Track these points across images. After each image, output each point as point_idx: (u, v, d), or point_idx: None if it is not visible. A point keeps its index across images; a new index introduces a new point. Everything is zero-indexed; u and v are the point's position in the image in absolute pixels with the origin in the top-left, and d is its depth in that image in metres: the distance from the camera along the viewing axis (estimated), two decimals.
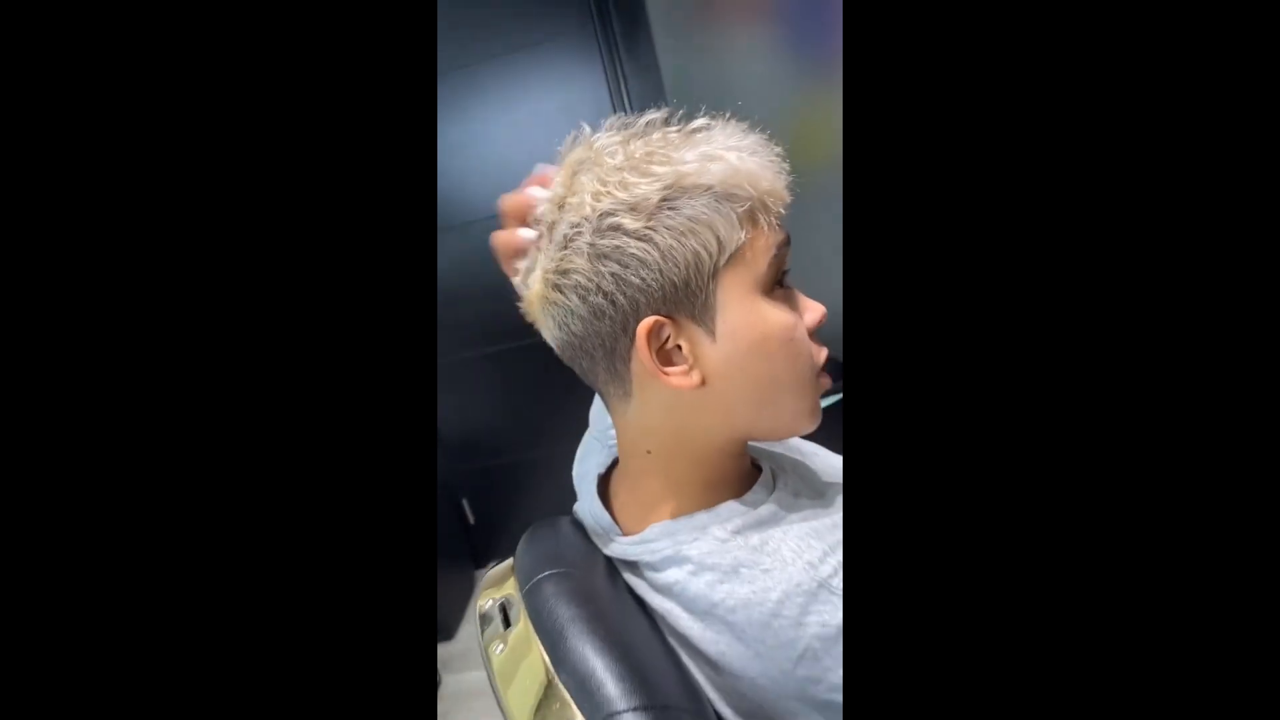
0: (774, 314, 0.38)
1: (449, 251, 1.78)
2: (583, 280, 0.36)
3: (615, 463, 0.49)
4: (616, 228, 0.35)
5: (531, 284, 0.39)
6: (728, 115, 0.40)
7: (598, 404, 0.58)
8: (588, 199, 0.36)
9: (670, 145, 0.37)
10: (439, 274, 1.80)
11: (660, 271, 0.35)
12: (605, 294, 0.36)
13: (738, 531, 0.39)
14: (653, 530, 0.41)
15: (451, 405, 1.99)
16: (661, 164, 0.36)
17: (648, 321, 0.36)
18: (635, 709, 0.31)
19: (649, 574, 0.41)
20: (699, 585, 0.38)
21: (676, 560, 0.39)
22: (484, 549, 2.12)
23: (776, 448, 0.51)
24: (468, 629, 1.86)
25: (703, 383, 0.38)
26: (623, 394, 0.41)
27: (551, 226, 0.37)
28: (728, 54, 1.50)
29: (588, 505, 0.48)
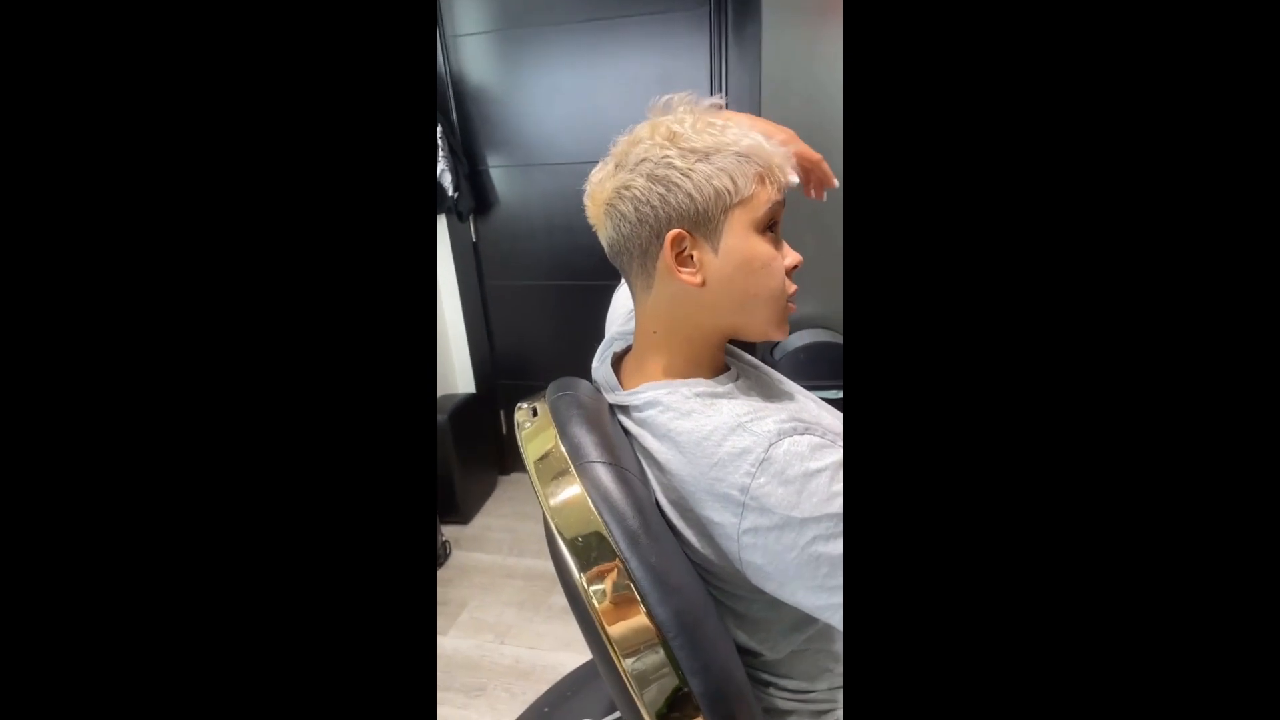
0: (761, 245, 0.55)
1: (536, 186, 1.96)
2: (639, 194, 0.53)
3: (626, 351, 0.68)
4: (671, 163, 0.53)
5: (599, 195, 0.57)
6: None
7: (612, 315, 0.78)
8: (658, 139, 0.53)
9: (722, 120, 0.54)
10: (522, 206, 1.99)
11: (691, 198, 0.53)
12: (652, 207, 0.53)
13: (698, 395, 0.57)
14: (643, 387, 0.60)
15: (507, 326, 2.20)
16: (712, 132, 0.53)
17: (675, 231, 0.53)
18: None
19: (634, 413, 0.60)
20: (663, 419, 0.56)
21: (653, 404, 0.57)
22: (512, 459, 2.33)
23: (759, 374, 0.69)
24: (480, 520, 2.11)
25: (703, 284, 0.55)
26: (646, 286, 0.58)
27: (624, 155, 0.55)
28: (828, 58, 1.60)
29: (602, 370, 0.67)
